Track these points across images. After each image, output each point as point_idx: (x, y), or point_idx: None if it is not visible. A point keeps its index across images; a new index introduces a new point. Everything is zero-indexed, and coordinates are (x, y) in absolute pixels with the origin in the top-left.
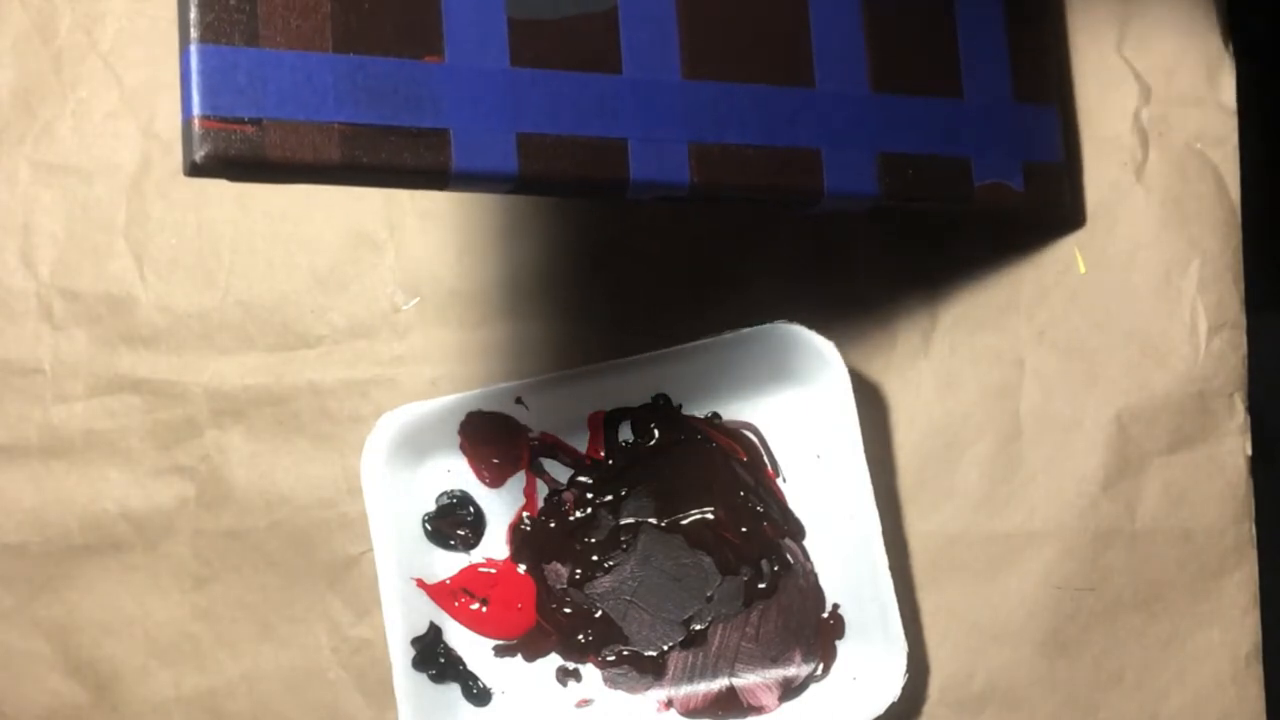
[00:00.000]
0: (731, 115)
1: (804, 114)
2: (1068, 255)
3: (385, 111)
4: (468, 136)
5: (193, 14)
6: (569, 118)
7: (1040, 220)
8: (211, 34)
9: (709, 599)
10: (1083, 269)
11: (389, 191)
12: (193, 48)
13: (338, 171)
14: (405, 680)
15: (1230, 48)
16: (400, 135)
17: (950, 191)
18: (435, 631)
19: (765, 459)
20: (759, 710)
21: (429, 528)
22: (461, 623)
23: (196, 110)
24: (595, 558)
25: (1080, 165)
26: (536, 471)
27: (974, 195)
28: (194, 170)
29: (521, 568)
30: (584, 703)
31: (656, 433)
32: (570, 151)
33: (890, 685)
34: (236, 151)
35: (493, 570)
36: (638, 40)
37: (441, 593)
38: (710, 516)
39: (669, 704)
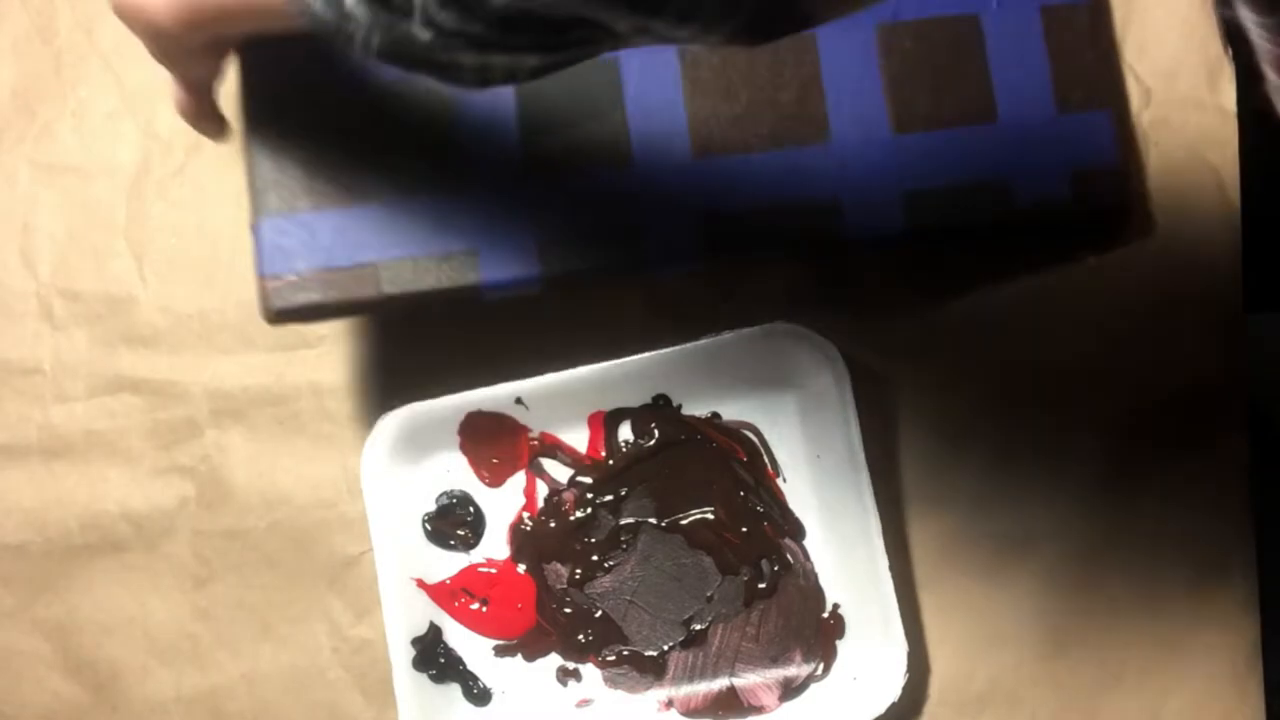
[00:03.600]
0: (743, 183)
1: (820, 167)
2: (1068, 255)
3: (418, 243)
4: (492, 253)
5: (258, 193)
6: (585, 217)
7: (1098, 226)
8: (273, 207)
9: (709, 599)
10: (1091, 260)
11: None
12: (262, 221)
13: (381, 304)
14: (405, 680)
15: (1230, 51)
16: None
17: (988, 212)
18: (435, 631)
19: (765, 459)
20: (759, 710)
21: (429, 528)
22: (461, 623)
23: (263, 270)
24: (595, 558)
25: (1144, 168)
26: (536, 471)
27: (1015, 212)
28: (276, 319)
29: (521, 568)
30: (584, 703)
31: (656, 433)
32: (588, 247)
33: (890, 685)
34: (301, 301)
35: (493, 570)
36: (647, 132)
37: (441, 593)
38: (710, 516)
39: (669, 704)
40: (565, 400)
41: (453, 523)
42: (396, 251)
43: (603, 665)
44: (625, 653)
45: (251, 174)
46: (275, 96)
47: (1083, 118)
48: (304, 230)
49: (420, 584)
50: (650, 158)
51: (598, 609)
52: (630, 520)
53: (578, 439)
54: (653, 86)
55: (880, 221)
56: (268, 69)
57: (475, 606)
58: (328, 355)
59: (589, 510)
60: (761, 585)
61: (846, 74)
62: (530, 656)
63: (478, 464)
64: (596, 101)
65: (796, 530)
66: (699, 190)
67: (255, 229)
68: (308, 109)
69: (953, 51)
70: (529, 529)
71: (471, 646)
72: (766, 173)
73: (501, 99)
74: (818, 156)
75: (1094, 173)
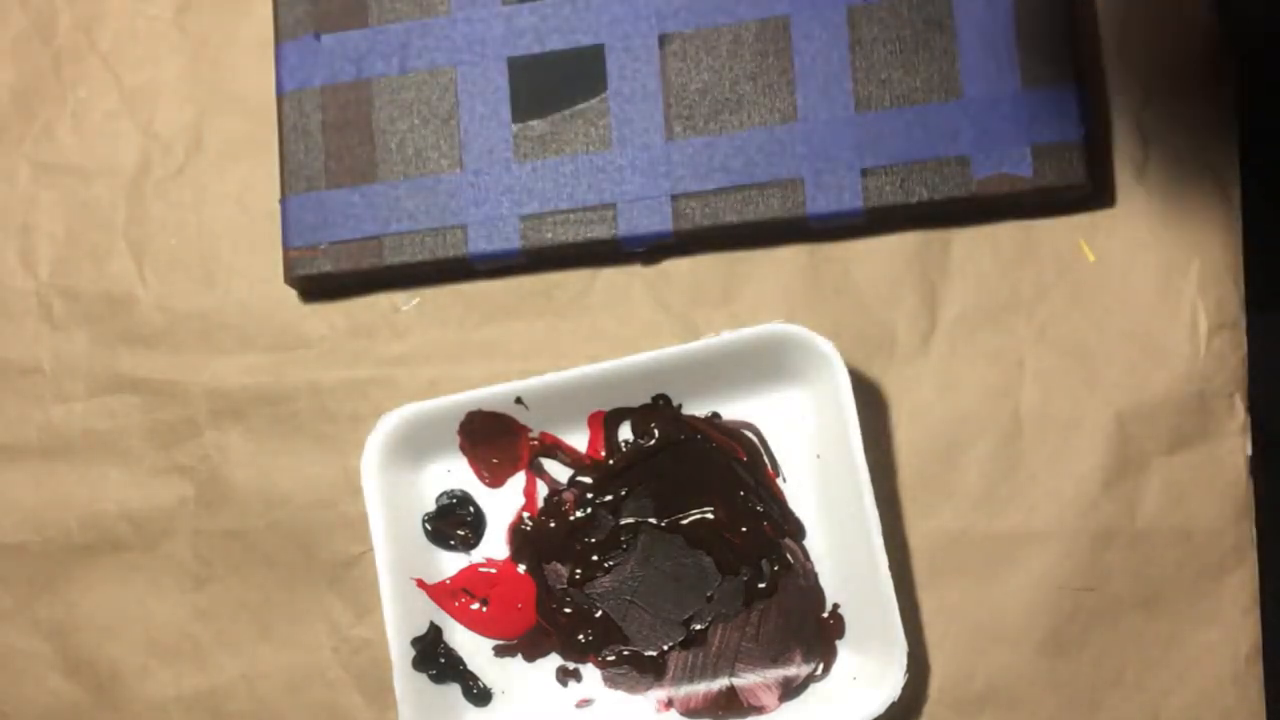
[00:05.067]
0: (712, 164)
1: (787, 147)
2: (1068, 254)
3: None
4: (480, 227)
5: (288, 174)
6: (565, 195)
7: (1058, 200)
8: (298, 185)
9: (709, 599)
10: (1091, 257)
11: None
12: (288, 198)
13: (383, 273)
14: (405, 680)
15: (1231, 48)
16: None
17: (946, 190)
18: (435, 631)
19: (765, 459)
20: (759, 710)
21: (429, 528)
22: (461, 623)
23: (288, 243)
24: (595, 558)
25: (1111, 141)
26: (536, 471)
27: (974, 189)
28: (297, 286)
29: (521, 568)
30: (584, 703)
31: (656, 433)
32: (565, 223)
33: (890, 685)
34: (318, 270)
35: (493, 570)
36: (625, 116)
37: (441, 593)
38: (710, 516)
39: (669, 704)
40: (565, 400)
41: (453, 523)
42: (397, 226)
43: (603, 665)
44: (625, 653)
45: (283, 156)
46: (304, 89)
47: (1050, 93)
48: (321, 207)
49: (420, 584)
50: (627, 139)
51: (598, 609)
52: (630, 520)
53: (578, 439)
54: (632, 70)
55: (839, 201)
56: (299, 69)
57: (475, 606)
58: (327, 355)
59: (589, 510)
60: (761, 585)
61: (816, 54)
62: (530, 656)
63: (478, 464)
64: (580, 87)
65: (796, 530)
66: (671, 169)
67: (283, 205)
68: (329, 100)
69: (922, 29)
70: (529, 529)
71: (471, 646)
72: (734, 153)
73: (495, 85)
74: (784, 136)
75: (1057, 148)
